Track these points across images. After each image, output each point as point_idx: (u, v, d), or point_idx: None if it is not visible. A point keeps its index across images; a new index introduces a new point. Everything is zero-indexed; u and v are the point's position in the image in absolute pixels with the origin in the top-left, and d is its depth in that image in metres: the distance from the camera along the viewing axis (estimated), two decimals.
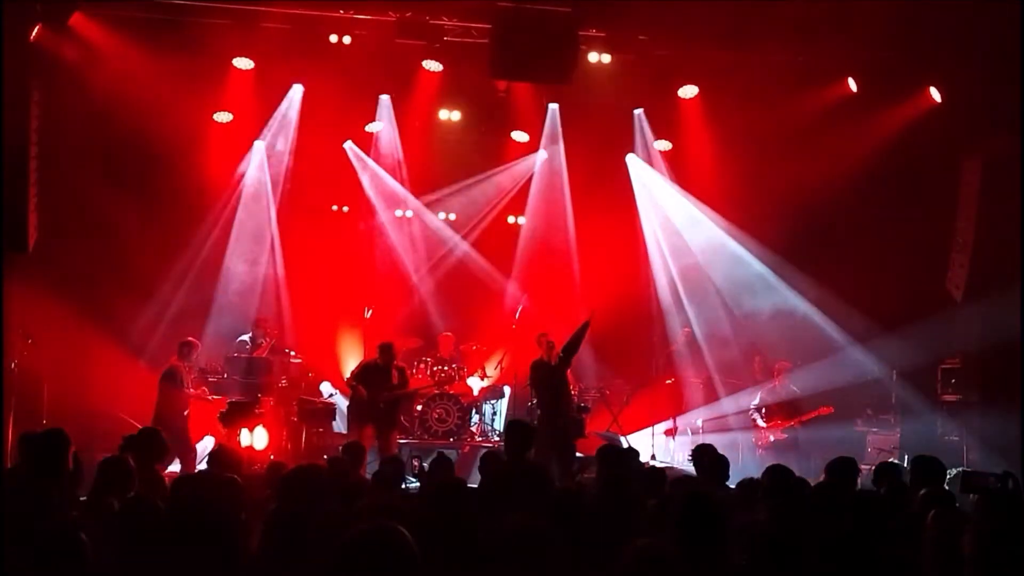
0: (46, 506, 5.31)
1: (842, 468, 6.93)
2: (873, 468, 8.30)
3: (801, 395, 13.39)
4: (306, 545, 4.86)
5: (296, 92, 14.31)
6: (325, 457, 11.85)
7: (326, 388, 14.39)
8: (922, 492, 6.21)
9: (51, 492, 5.70)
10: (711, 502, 4.99)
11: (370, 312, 14.22)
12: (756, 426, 13.47)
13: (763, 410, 13.44)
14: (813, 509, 5.83)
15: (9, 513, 5.25)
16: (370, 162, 15.24)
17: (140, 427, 8.88)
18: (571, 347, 12.05)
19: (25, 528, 4.80)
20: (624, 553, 3.68)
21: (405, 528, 3.41)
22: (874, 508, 5.64)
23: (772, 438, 13.27)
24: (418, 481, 10.36)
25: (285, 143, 14.65)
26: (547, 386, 12.22)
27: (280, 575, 4.79)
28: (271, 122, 14.51)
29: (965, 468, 11.04)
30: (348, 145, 15.14)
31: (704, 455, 7.83)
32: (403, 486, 8.08)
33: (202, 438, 12.40)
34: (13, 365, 11.74)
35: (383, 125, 15.07)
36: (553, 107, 15.17)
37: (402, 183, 15.45)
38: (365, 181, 15.31)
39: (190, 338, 12.15)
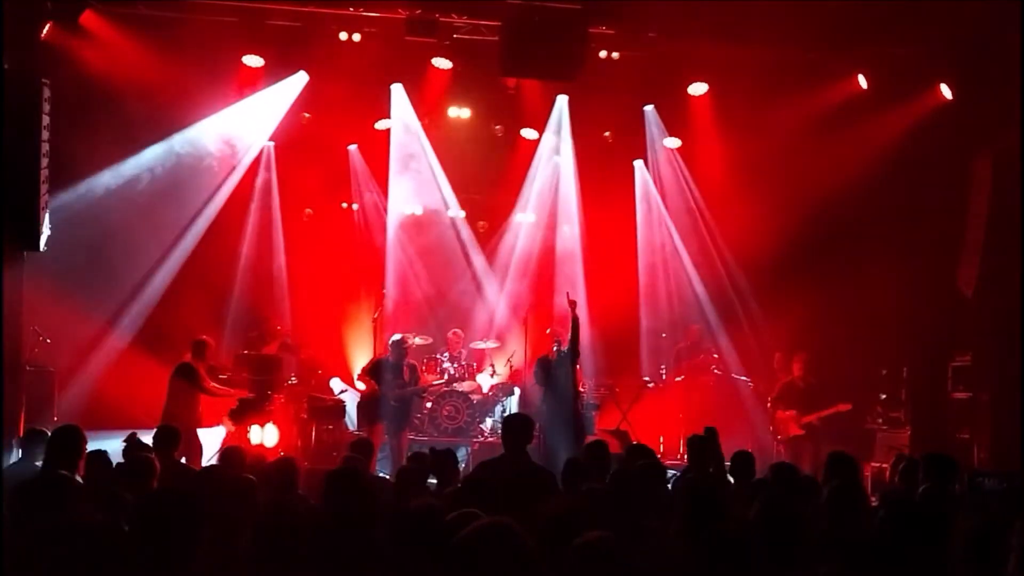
0: (65, 501, 5.33)
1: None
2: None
3: (819, 387, 13.39)
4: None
5: (298, 80, 14.21)
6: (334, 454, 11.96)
7: (336, 385, 14.42)
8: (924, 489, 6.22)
9: (69, 487, 5.73)
10: (716, 497, 5.00)
11: (377, 314, 14.23)
12: (775, 418, 13.49)
13: (779, 402, 13.46)
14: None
15: (25, 508, 5.27)
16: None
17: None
18: (572, 347, 12.05)
19: (47, 523, 4.84)
20: (570, 548, 3.61)
21: None
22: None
23: (790, 432, 13.29)
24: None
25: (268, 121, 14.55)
26: (550, 383, 12.27)
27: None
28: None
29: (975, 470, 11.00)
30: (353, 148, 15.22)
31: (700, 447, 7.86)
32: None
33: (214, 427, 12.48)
34: (28, 365, 11.79)
35: (394, 122, 15.06)
36: (561, 99, 15.15)
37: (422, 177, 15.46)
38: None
39: (204, 337, 12.14)
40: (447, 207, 15.86)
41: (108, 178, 13.25)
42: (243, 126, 14.37)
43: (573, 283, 15.33)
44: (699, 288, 15.48)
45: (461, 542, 3.28)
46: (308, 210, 15.23)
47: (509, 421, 7.83)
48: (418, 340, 14.38)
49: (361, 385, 13.31)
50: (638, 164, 15.85)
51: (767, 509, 4.79)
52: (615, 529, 4.40)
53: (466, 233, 15.93)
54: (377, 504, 5.96)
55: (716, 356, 14.87)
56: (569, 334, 11.87)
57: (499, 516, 3.45)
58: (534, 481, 6.48)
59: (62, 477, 5.73)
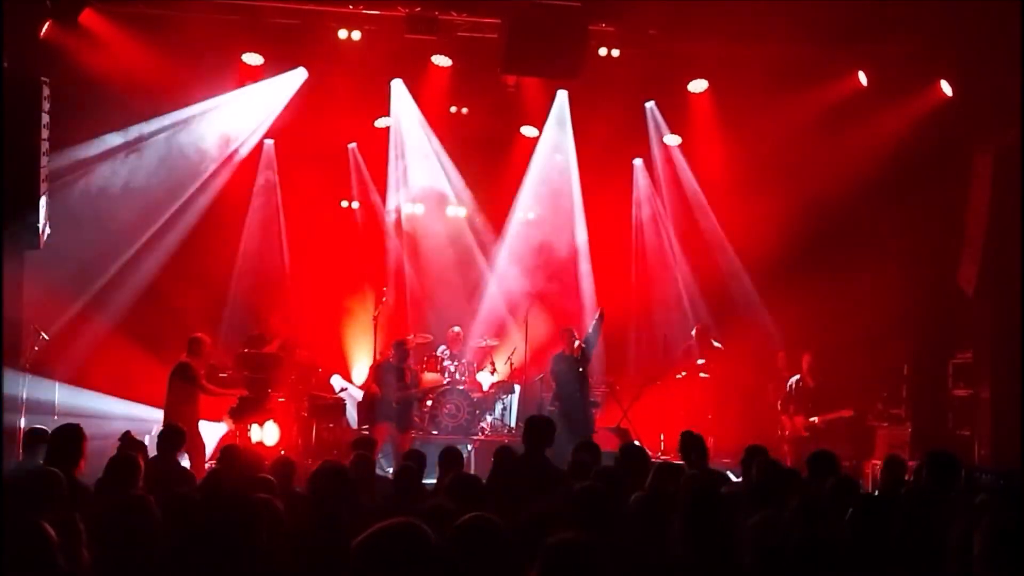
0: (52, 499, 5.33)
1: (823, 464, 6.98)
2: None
3: (827, 387, 13.38)
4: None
5: (297, 75, 14.10)
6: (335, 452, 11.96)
7: (337, 382, 14.39)
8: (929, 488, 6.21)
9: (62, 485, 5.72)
10: (720, 498, 4.98)
11: (385, 299, 14.19)
12: (782, 418, 13.52)
13: (788, 402, 13.48)
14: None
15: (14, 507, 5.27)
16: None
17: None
18: (590, 342, 12.26)
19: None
20: (543, 547, 3.61)
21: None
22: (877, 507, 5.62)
23: (795, 433, 13.31)
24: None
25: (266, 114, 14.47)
26: (568, 380, 12.43)
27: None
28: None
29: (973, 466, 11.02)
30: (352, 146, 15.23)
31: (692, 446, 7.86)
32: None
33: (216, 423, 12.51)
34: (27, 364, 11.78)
35: (394, 118, 15.03)
36: (561, 95, 15.06)
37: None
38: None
39: (199, 334, 12.11)
40: (448, 204, 15.86)
41: (107, 174, 13.23)
42: (241, 119, 14.33)
43: (573, 280, 15.36)
44: (700, 286, 15.46)
45: (362, 542, 3.26)
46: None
47: (531, 422, 7.87)
48: (419, 339, 14.40)
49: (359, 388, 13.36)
50: (637, 162, 15.85)
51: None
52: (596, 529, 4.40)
53: (466, 230, 15.92)
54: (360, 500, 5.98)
55: (720, 345, 14.83)
56: (587, 334, 12.31)
57: (406, 516, 3.44)
58: (537, 481, 6.49)
59: (50, 474, 5.71)
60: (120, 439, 8.09)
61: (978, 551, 4.13)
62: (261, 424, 12.17)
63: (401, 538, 3.28)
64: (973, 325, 13.63)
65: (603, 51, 13.39)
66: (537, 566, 3.47)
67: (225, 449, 7.66)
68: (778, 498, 5.94)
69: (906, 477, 7.74)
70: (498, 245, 15.80)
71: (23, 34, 11.15)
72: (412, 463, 7.38)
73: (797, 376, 13.55)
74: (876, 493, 7.74)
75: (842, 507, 5.75)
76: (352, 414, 13.63)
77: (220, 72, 13.56)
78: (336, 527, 5.29)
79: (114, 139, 13.25)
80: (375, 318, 14.09)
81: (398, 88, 14.73)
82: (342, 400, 13.72)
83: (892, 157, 13.72)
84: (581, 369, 12.53)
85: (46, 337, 12.08)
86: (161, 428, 8.44)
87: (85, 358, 12.87)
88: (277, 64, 13.76)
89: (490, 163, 15.61)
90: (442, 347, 14.62)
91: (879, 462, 12.72)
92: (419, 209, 15.83)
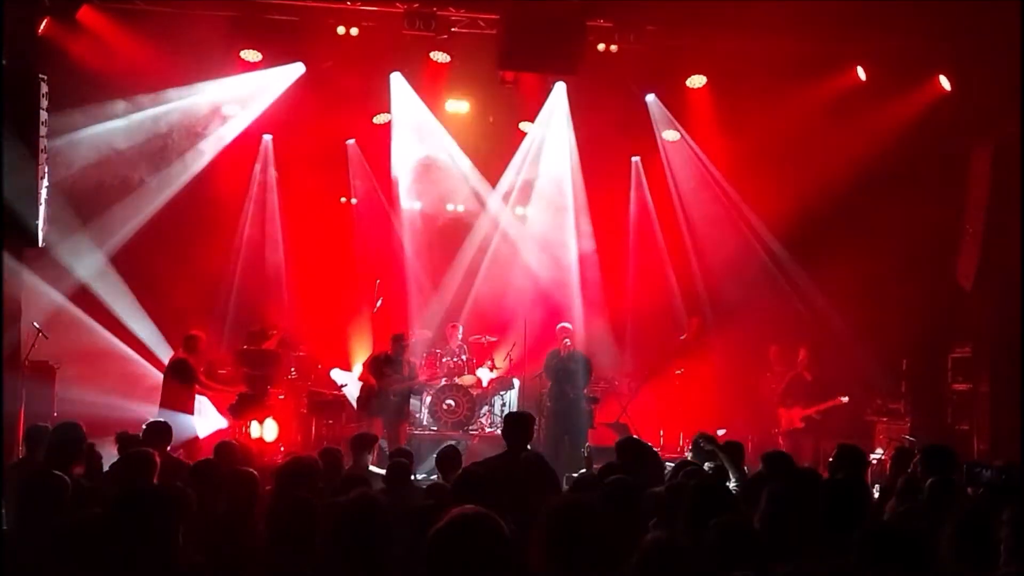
0: (62, 499, 5.34)
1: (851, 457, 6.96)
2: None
3: (826, 380, 13.41)
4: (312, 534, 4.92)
5: (294, 69, 14.01)
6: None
7: (338, 376, 14.35)
8: (930, 482, 6.20)
9: (67, 485, 5.73)
10: (723, 493, 4.99)
11: (380, 303, 14.22)
12: (778, 411, 13.54)
13: (786, 395, 13.51)
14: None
15: (23, 505, 5.28)
16: None
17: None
18: (577, 379, 12.69)
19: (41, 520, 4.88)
20: (638, 548, 3.65)
21: None
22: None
23: (791, 425, 13.35)
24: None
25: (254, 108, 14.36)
26: (555, 376, 12.47)
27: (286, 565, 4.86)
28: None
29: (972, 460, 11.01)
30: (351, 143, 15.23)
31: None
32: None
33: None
34: (26, 360, 11.77)
35: (394, 112, 15.01)
36: (560, 88, 14.95)
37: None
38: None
39: (195, 331, 12.10)
40: (446, 200, 15.85)
41: (104, 170, 13.22)
42: (237, 107, 14.30)
43: (572, 275, 15.36)
44: (698, 281, 15.45)
45: (438, 533, 3.29)
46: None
47: (510, 418, 7.87)
48: (419, 334, 14.40)
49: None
50: (635, 160, 15.84)
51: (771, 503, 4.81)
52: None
53: (465, 226, 15.91)
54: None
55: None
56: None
57: (476, 507, 3.48)
58: (529, 476, 6.52)
59: (57, 475, 5.73)
60: (116, 439, 8.07)
61: (1007, 544, 4.13)
62: (260, 421, 12.19)
63: (477, 527, 3.33)
64: (972, 319, 13.63)
65: (601, 47, 13.38)
66: (634, 564, 3.54)
67: (219, 445, 7.67)
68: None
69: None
70: (497, 240, 15.79)
71: (21, 31, 11.15)
72: (402, 459, 7.42)
73: (795, 370, 13.59)
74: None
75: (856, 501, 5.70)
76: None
77: (218, 68, 13.56)
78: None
79: (111, 135, 13.24)
80: (373, 315, 14.12)
81: (397, 81, 14.69)
82: (342, 396, 13.72)
83: (890, 152, 13.69)
84: (569, 368, 12.71)
85: (46, 336, 12.07)
86: (146, 425, 8.37)
87: (83, 355, 12.85)
88: (275, 61, 13.74)
89: (488, 159, 15.59)
90: (441, 343, 14.63)
91: (878, 456, 12.79)
92: (417, 205, 15.82)
